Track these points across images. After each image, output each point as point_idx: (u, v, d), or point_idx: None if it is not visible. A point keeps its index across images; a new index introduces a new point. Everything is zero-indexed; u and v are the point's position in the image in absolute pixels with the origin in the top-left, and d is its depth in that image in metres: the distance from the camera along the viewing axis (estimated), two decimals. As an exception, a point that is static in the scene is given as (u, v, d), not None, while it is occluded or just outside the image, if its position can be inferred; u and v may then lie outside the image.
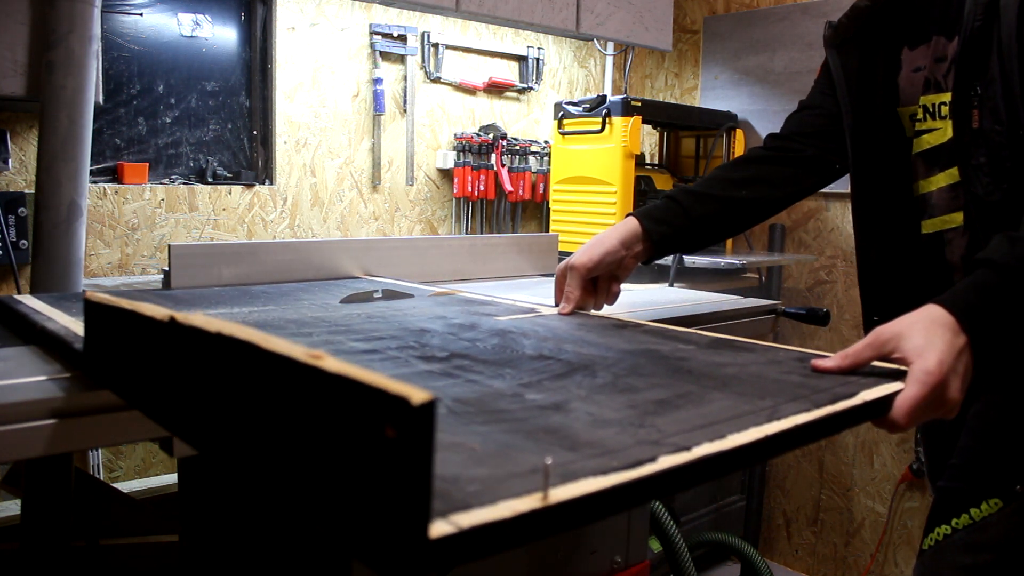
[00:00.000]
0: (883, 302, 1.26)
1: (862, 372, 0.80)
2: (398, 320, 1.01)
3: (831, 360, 0.81)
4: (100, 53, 1.45)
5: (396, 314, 1.05)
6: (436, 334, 0.92)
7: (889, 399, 0.74)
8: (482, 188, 2.37)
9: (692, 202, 1.20)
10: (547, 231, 2.46)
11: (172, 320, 0.56)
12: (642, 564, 1.34)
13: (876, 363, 0.82)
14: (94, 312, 0.71)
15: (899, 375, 0.78)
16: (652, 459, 0.51)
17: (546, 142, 2.53)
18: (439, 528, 0.38)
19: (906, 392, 0.74)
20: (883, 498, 2.46)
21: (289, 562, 1.08)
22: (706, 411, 0.64)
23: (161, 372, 0.60)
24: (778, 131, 1.31)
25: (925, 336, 0.79)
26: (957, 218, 1.13)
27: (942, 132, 1.13)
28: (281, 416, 0.45)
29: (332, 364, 0.41)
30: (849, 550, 2.54)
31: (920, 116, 1.17)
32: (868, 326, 1.27)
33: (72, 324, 0.86)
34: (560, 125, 2.30)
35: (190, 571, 1.24)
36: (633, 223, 1.17)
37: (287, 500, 0.45)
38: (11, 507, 1.52)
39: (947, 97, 1.11)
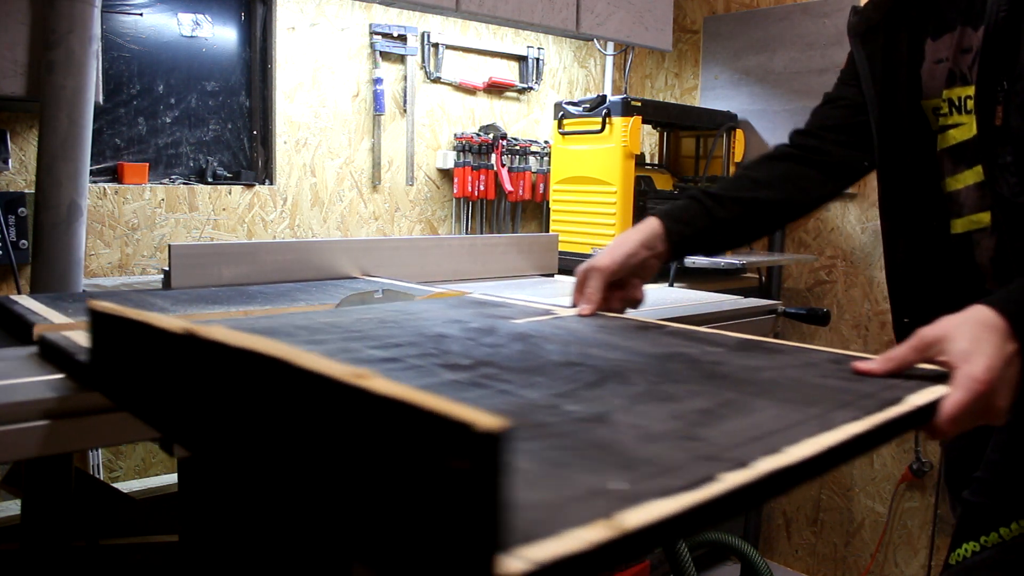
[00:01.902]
0: (913, 304, 1.22)
1: (903, 375, 0.77)
2: (413, 325, 0.97)
3: (874, 363, 0.78)
4: (100, 53, 1.45)
5: (409, 319, 1.02)
6: (455, 339, 0.89)
7: (934, 405, 0.70)
8: (482, 188, 2.37)
9: (715, 203, 1.16)
10: (547, 231, 2.46)
11: (189, 334, 0.54)
12: (642, 564, 1.34)
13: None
14: (100, 323, 0.68)
15: (942, 378, 0.75)
16: (713, 478, 0.48)
17: (546, 142, 2.53)
18: (512, 565, 0.35)
19: (952, 398, 0.71)
20: (883, 498, 2.46)
21: (289, 562, 1.08)
22: (754, 421, 0.61)
23: (176, 387, 0.57)
24: (797, 127, 1.27)
25: (972, 340, 0.75)
26: (985, 218, 1.08)
27: (967, 128, 1.08)
28: (321, 440, 0.42)
29: (385, 386, 0.38)
30: (849, 550, 2.54)
31: (945, 110, 1.11)
32: (898, 328, 1.23)
33: (75, 334, 0.84)
34: (560, 125, 2.30)
35: (190, 571, 1.24)
36: (655, 223, 1.14)
37: (327, 530, 0.41)
38: (11, 507, 1.52)
39: (971, 91, 1.05)
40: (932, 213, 1.16)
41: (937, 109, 1.12)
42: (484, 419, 0.33)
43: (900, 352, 0.78)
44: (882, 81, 1.16)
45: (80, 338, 0.83)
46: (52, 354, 0.82)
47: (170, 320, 0.58)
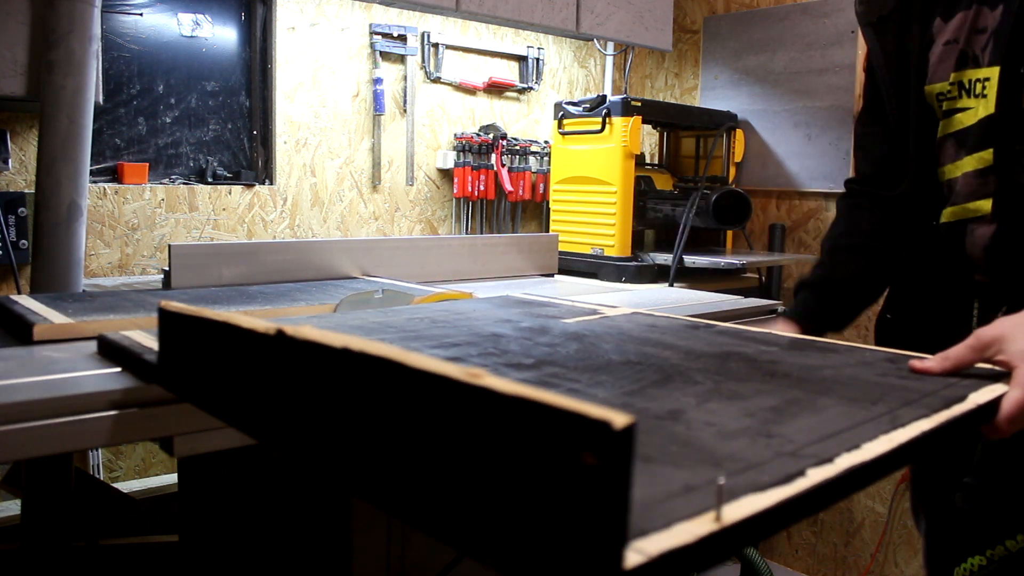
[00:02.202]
0: (896, 298, 1.22)
1: (960, 374, 0.78)
2: (465, 325, 0.98)
3: (931, 362, 0.79)
4: (100, 53, 1.45)
5: (459, 318, 1.02)
6: (511, 339, 0.89)
7: (996, 403, 0.71)
8: (482, 188, 2.37)
9: (832, 262, 1.23)
10: (547, 231, 2.46)
11: (280, 333, 0.54)
12: (642, 564, 1.34)
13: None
14: (173, 323, 0.69)
15: (998, 377, 0.76)
16: (802, 473, 0.49)
17: (546, 142, 2.53)
18: (630, 558, 0.36)
19: (1011, 397, 0.71)
20: (883, 498, 2.46)
21: (288, 562, 1.08)
22: (823, 419, 0.62)
23: (263, 387, 0.57)
24: (850, 173, 1.29)
25: None
26: (984, 206, 1.06)
27: (974, 112, 1.06)
28: (437, 438, 0.42)
29: (504, 385, 0.38)
30: (849, 550, 2.54)
31: (954, 93, 1.08)
32: (880, 324, 1.24)
33: (141, 337, 0.85)
34: (560, 125, 2.30)
35: (190, 571, 1.24)
36: (793, 325, 1.20)
37: (441, 529, 0.42)
38: (11, 507, 1.52)
39: (985, 73, 1.03)
40: (924, 203, 1.15)
41: (942, 94, 1.10)
42: (616, 416, 0.34)
43: (957, 352, 0.79)
44: (897, 69, 1.14)
45: (141, 337, 0.84)
46: (114, 353, 0.83)
47: (256, 321, 0.58)
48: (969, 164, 1.08)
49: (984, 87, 1.04)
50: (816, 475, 0.49)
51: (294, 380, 0.53)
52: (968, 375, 0.78)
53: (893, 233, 1.21)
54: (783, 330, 1.14)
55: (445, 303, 1.18)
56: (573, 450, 0.35)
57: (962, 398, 0.69)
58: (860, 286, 1.22)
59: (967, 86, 1.07)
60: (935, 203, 1.14)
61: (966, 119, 1.07)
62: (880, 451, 0.54)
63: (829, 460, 0.52)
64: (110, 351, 0.84)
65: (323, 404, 0.51)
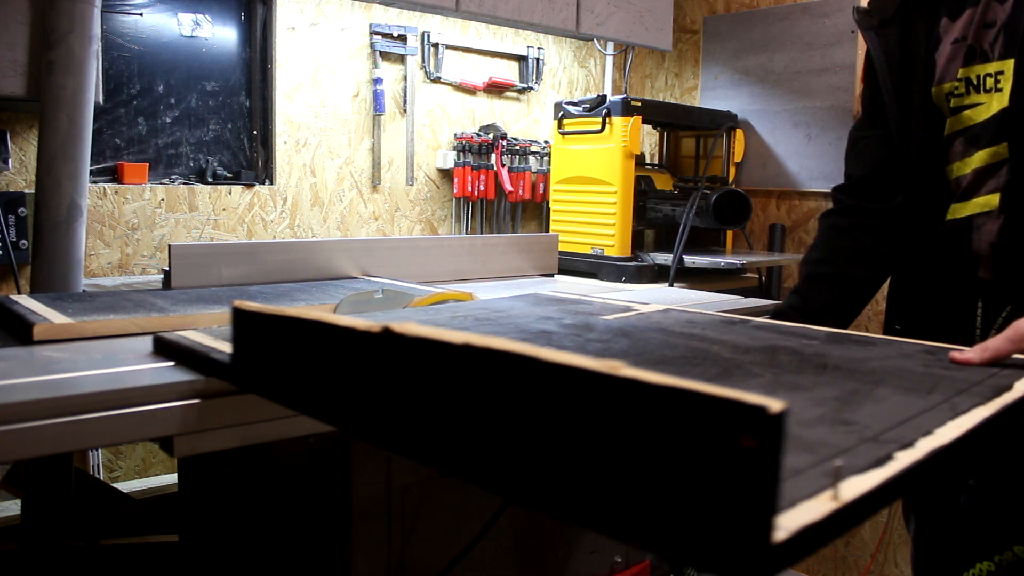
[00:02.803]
0: (902, 307, 1.21)
1: (999, 364, 0.80)
2: (510, 322, 0.98)
3: (971, 353, 0.81)
4: (100, 53, 1.45)
5: (501, 316, 1.03)
6: (561, 335, 0.90)
7: None
8: (482, 188, 2.37)
9: (809, 291, 1.22)
10: (547, 231, 2.46)
11: (387, 331, 0.54)
12: (642, 564, 1.34)
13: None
14: (251, 322, 0.69)
15: None
16: (890, 457, 0.51)
17: (546, 142, 2.53)
18: (777, 534, 0.38)
19: None
20: (883, 498, 2.46)
21: (288, 562, 1.08)
22: (888, 407, 0.64)
23: (362, 383, 0.57)
24: (836, 181, 1.26)
25: None
26: (992, 200, 1.06)
27: (986, 107, 1.05)
28: (577, 430, 0.43)
29: (657, 377, 0.40)
30: (849, 550, 2.54)
31: (963, 90, 1.08)
32: (889, 335, 1.23)
33: (199, 336, 0.85)
34: (560, 125, 2.30)
35: (190, 571, 1.24)
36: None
37: (588, 517, 0.43)
38: (11, 507, 1.52)
39: (996, 67, 1.03)
40: (931, 203, 1.15)
41: (951, 92, 1.10)
42: (771, 402, 0.36)
43: (996, 343, 0.81)
44: (899, 71, 1.14)
45: (199, 336, 0.84)
46: (175, 352, 0.83)
47: (355, 319, 0.59)
48: (979, 160, 1.07)
49: (997, 81, 1.04)
50: (904, 458, 0.51)
51: (402, 376, 0.54)
52: (1007, 365, 0.80)
53: (878, 253, 1.21)
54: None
55: (481, 302, 1.17)
56: (732, 434, 0.37)
57: (1008, 387, 0.70)
58: (834, 314, 1.22)
59: (975, 82, 1.07)
60: (939, 204, 1.13)
61: (976, 115, 1.07)
62: (951, 436, 0.57)
63: (910, 445, 0.54)
64: (169, 350, 0.84)
65: (436, 399, 0.51)
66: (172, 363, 0.82)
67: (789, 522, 0.40)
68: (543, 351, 0.45)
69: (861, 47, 2.34)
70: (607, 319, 1.01)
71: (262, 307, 0.68)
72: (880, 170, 1.21)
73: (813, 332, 0.95)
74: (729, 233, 2.46)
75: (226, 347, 0.77)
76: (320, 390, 0.62)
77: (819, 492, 0.44)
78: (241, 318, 0.70)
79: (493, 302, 1.16)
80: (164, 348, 0.85)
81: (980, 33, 1.05)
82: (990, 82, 1.04)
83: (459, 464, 0.50)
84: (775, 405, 0.36)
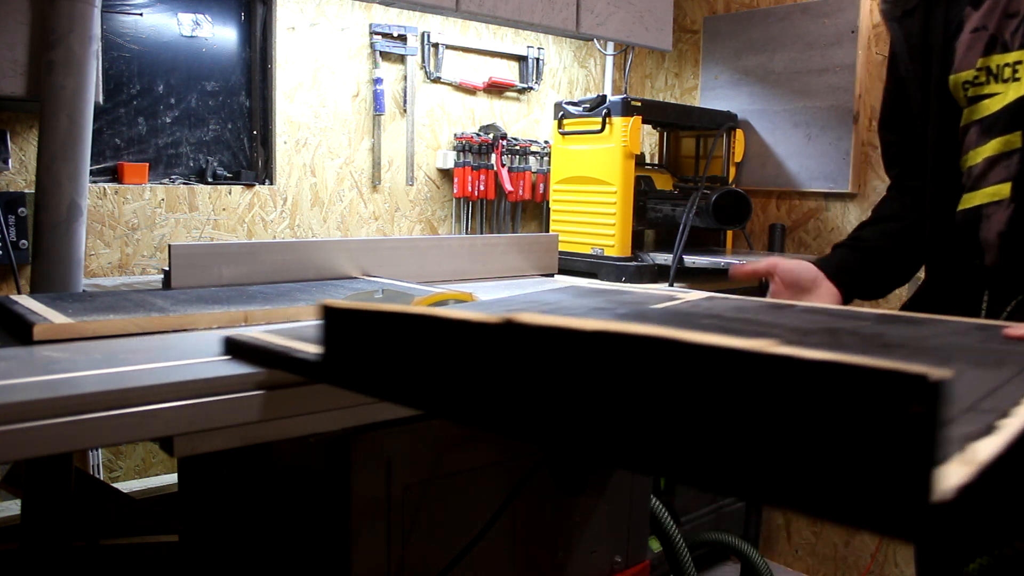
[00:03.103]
0: (916, 300, 1.22)
1: None
2: (567, 313, 0.98)
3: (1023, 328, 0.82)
4: (100, 53, 1.45)
5: (551, 308, 1.02)
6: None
7: None
8: (482, 188, 2.37)
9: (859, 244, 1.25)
10: (547, 231, 2.46)
11: (509, 323, 0.56)
12: (642, 564, 1.34)
13: None
14: (345, 320, 0.70)
15: None
16: (994, 426, 0.52)
17: (546, 142, 2.53)
18: (935, 495, 0.41)
19: None
20: (883, 498, 2.46)
21: (288, 562, 1.08)
22: (967, 380, 0.64)
23: (482, 375, 0.59)
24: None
25: None
26: (1003, 190, 1.07)
27: (1003, 96, 1.06)
28: (729, 409, 0.46)
29: (818, 354, 0.43)
30: (849, 550, 2.54)
31: (981, 79, 1.09)
32: None
33: (273, 337, 0.85)
34: (560, 125, 2.30)
35: (190, 571, 1.24)
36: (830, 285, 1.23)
37: (745, 488, 0.46)
38: (11, 507, 1.52)
39: (1016, 56, 1.04)
40: (943, 194, 1.16)
41: (968, 82, 1.11)
42: (932, 371, 0.39)
43: None
44: (921, 59, 1.15)
45: (273, 337, 0.83)
46: (252, 354, 0.83)
47: (471, 312, 0.59)
48: (992, 148, 1.08)
49: (1015, 71, 1.05)
50: (1010, 425, 0.52)
51: (528, 365, 0.55)
52: None
53: (919, 213, 1.23)
54: (826, 290, 1.19)
55: (529, 294, 1.15)
56: (901, 403, 0.40)
57: None
58: (889, 257, 1.25)
59: (995, 71, 1.07)
60: (951, 194, 1.15)
61: (993, 104, 1.08)
62: None
63: (1006, 414, 0.54)
64: (243, 352, 0.84)
65: (571, 387, 0.53)
66: (249, 365, 0.81)
67: (950, 482, 0.42)
68: (690, 335, 0.47)
69: (861, 47, 2.34)
70: (657, 308, 1.01)
71: (358, 304, 0.69)
72: (911, 164, 1.25)
73: (862, 313, 0.96)
74: (729, 233, 2.46)
75: (303, 346, 0.77)
76: (431, 383, 0.63)
77: (954, 456, 0.46)
78: (333, 317, 0.70)
79: (538, 295, 1.15)
80: (237, 350, 0.85)
81: (1002, 23, 1.06)
82: (1008, 72, 1.05)
83: (607, 450, 0.52)
84: (935, 373, 0.39)
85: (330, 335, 0.72)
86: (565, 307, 1.03)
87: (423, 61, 2.30)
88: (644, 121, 2.18)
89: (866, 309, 0.99)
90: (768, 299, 1.08)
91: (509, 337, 0.56)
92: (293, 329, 0.89)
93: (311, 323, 0.95)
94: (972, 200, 1.11)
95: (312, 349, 0.76)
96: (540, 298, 1.12)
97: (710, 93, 2.71)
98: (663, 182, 2.37)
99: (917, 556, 1.29)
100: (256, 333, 0.86)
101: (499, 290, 1.45)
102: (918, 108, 1.17)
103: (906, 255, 1.26)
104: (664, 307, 1.02)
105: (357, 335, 0.69)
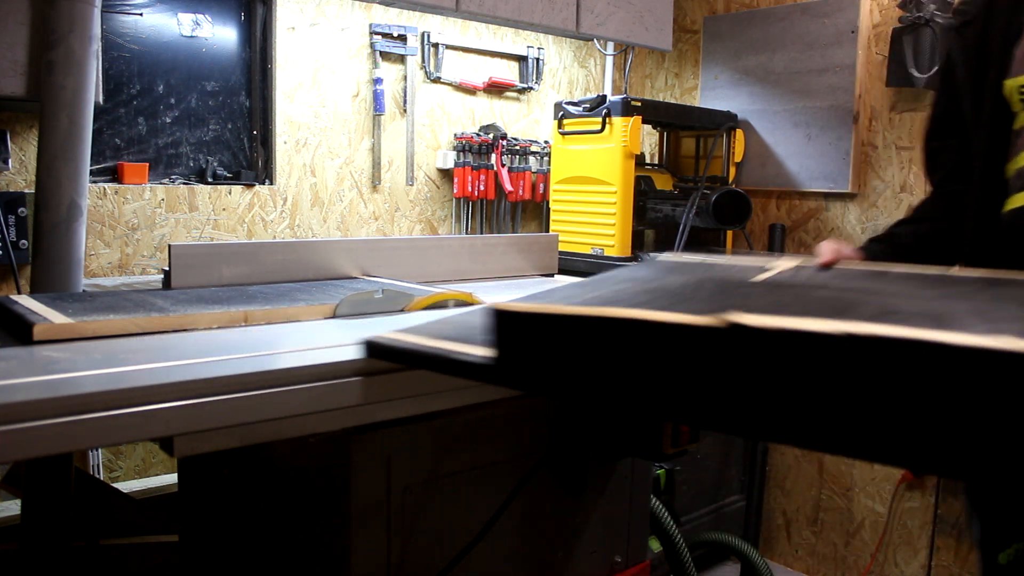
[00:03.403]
0: None
1: None
2: (672, 289, 0.97)
3: None
4: (100, 53, 1.45)
5: (651, 283, 1.02)
6: (745, 293, 0.91)
7: None
8: (482, 188, 2.37)
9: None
10: (547, 231, 2.46)
11: (735, 325, 0.57)
12: (642, 564, 1.34)
13: None
14: (524, 323, 0.70)
15: None
16: None
17: (546, 142, 2.53)
18: None
19: None
20: (883, 498, 2.46)
21: (288, 562, 1.08)
22: None
23: (709, 376, 0.60)
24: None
25: None
26: None
27: None
28: (981, 402, 0.48)
29: None
30: (849, 550, 2.54)
31: None
32: None
33: (417, 339, 0.84)
34: (560, 125, 2.30)
35: (190, 571, 1.24)
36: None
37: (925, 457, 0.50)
38: (11, 507, 1.52)
39: None
40: (989, 199, 1.18)
41: (1023, 87, 1.13)
42: None
43: None
44: (976, 65, 1.18)
45: (414, 339, 0.83)
46: (401, 357, 0.83)
47: (683, 316, 0.59)
48: None
49: None
50: None
51: (759, 367, 0.57)
52: None
53: (957, 217, 1.25)
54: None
55: (603, 274, 1.15)
56: None
57: None
58: (921, 256, 1.26)
59: None
60: (997, 196, 1.17)
61: None
62: None
63: None
64: (389, 355, 0.84)
65: (807, 386, 0.55)
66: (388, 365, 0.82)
67: None
68: (941, 335, 0.49)
69: (861, 47, 2.34)
70: (760, 278, 1.01)
71: (537, 307, 0.69)
72: (956, 170, 1.27)
73: (964, 278, 0.97)
74: (729, 233, 2.46)
75: (456, 347, 0.78)
76: (635, 384, 0.63)
77: None
78: (507, 320, 0.70)
79: (632, 271, 1.13)
80: (381, 352, 0.84)
81: None
82: None
83: (851, 444, 0.55)
84: None
85: (503, 338, 0.72)
86: (669, 287, 1.01)
87: (423, 61, 2.30)
88: (644, 121, 2.18)
89: (957, 272, 1.01)
90: (845, 267, 1.10)
91: (735, 340, 0.57)
92: (425, 327, 0.88)
93: (435, 318, 0.95)
94: (1019, 200, 1.13)
95: (468, 350, 0.76)
96: (630, 274, 1.09)
97: (710, 93, 2.71)
98: (663, 182, 2.37)
99: (982, 528, 1.29)
100: (393, 335, 0.85)
101: (499, 290, 1.45)
102: (969, 114, 1.20)
103: (938, 256, 1.27)
104: (767, 276, 1.01)
105: (537, 338, 0.69)
